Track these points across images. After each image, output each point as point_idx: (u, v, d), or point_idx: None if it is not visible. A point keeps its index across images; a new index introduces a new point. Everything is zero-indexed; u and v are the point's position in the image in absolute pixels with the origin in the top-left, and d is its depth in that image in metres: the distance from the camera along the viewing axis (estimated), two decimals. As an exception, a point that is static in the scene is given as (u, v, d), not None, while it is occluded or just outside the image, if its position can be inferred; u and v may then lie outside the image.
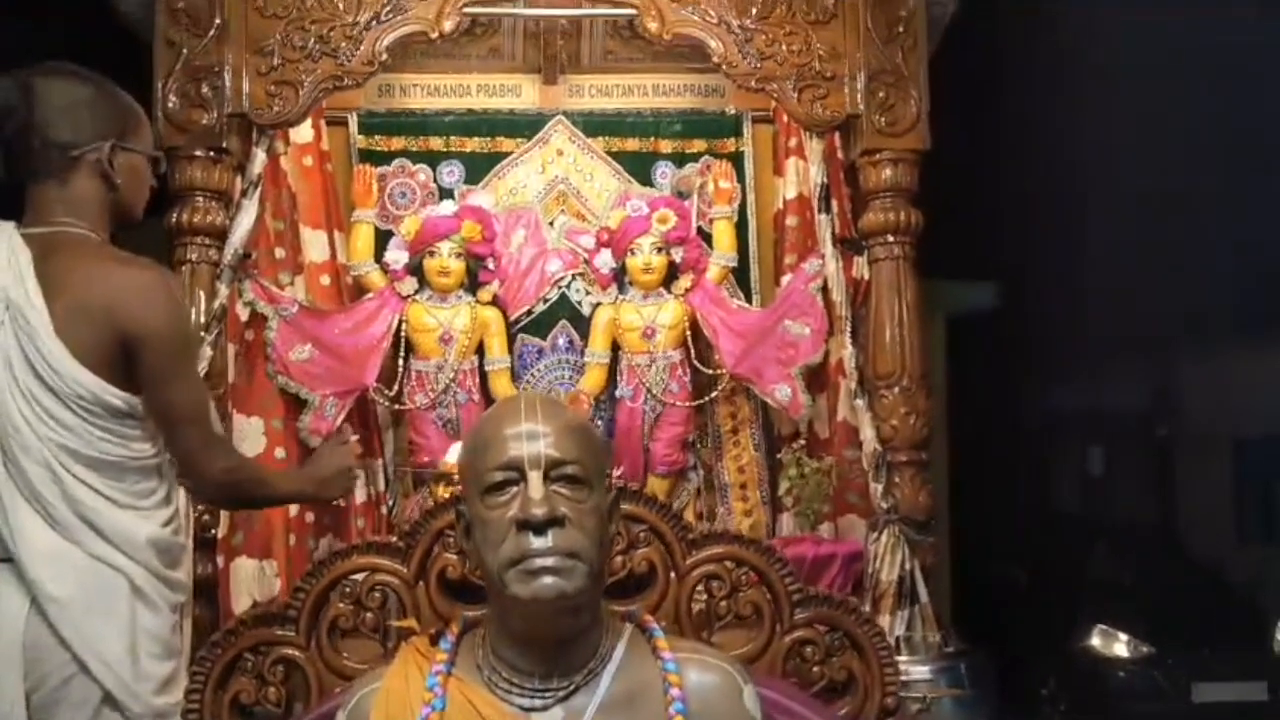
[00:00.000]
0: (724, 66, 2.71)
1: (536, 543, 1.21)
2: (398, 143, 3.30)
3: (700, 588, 1.68)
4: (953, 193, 3.47)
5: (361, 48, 2.64)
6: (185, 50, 2.59)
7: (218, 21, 2.60)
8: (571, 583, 1.21)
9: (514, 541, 1.21)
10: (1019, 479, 8.31)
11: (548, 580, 1.20)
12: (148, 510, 1.69)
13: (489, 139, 3.33)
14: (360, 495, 3.08)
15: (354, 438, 2.29)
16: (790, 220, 3.15)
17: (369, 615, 1.65)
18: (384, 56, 2.65)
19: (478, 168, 3.31)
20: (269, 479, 1.93)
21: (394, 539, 1.69)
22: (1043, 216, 6.61)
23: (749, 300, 3.25)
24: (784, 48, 2.70)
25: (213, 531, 2.60)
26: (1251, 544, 7.70)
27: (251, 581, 2.74)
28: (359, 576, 1.65)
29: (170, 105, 2.56)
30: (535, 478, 1.23)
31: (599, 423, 3.19)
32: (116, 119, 1.78)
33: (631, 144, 3.35)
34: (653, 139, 3.35)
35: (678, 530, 1.68)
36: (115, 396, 1.63)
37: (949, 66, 2.98)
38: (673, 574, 1.67)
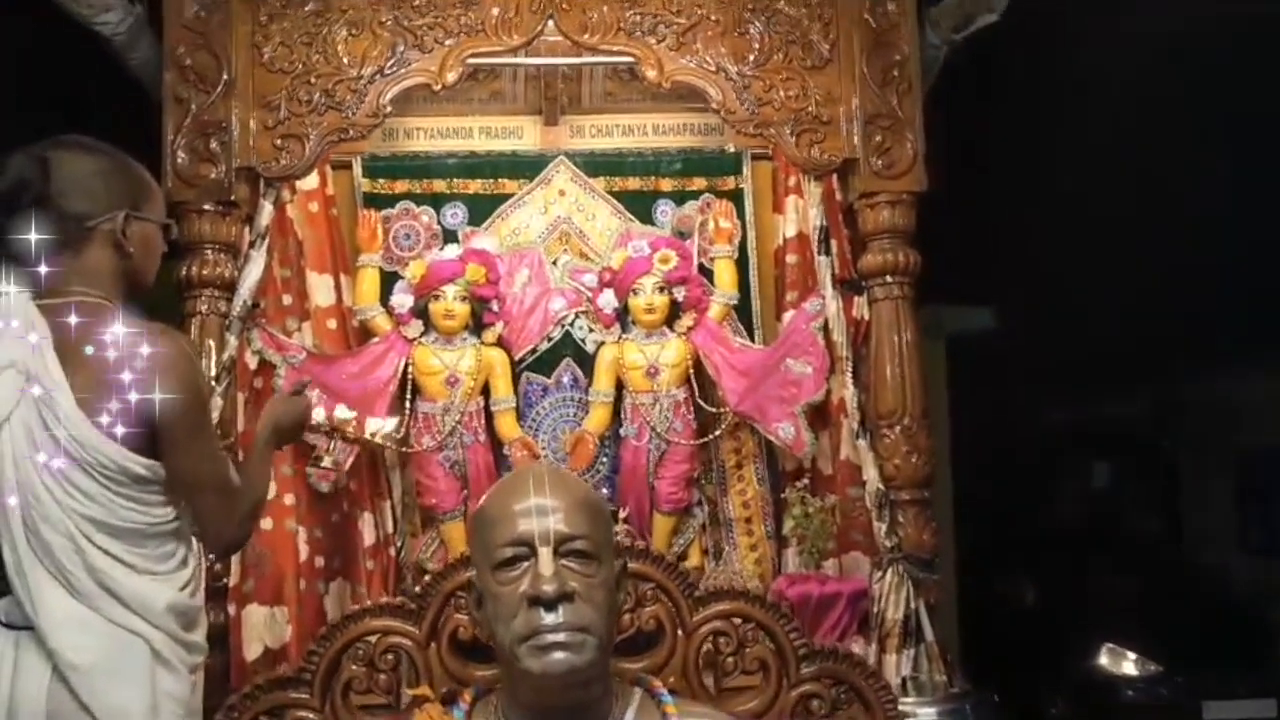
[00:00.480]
0: (722, 113, 2.76)
1: (548, 618, 1.24)
2: (401, 185, 3.33)
3: (707, 643, 1.72)
4: (953, 218, 3.51)
5: (366, 100, 2.70)
6: (193, 106, 2.64)
7: (225, 78, 2.65)
8: (582, 657, 1.24)
9: (525, 617, 1.25)
10: (1023, 496, 8.32)
11: (558, 655, 1.23)
12: (166, 574, 1.73)
13: (492, 180, 3.36)
14: (369, 537, 3.11)
15: (308, 384, 2.37)
16: (790, 258, 3.18)
17: (382, 677, 1.69)
18: (388, 109, 2.70)
19: (481, 209, 3.34)
20: (262, 495, 1.97)
21: (404, 599, 1.73)
22: (1042, 238, 6.65)
23: (751, 335, 3.28)
24: (781, 93, 2.75)
25: (224, 580, 2.64)
26: (1257, 558, 7.69)
27: (263, 628, 2.76)
28: (372, 638, 1.69)
29: (179, 161, 2.61)
30: (545, 554, 1.26)
31: (604, 460, 3.22)
32: (129, 190, 1.82)
33: (632, 183, 3.37)
34: (653, 178, 3.38)
35: (684, 587, 1.72)
36: (138, 464, 1.67)
37: (947, 99, 3.03)
38: (680, 631, 1.71)
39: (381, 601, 1.72)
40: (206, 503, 1.72)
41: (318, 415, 2.50)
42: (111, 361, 1.69)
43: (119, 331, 1.74)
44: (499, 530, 1.29)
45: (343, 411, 2.44)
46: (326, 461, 2.40)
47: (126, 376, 1.68)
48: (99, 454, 1.64)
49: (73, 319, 1.72)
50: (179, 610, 1.72)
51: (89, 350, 1.68)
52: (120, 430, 1.66)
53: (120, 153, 1.86)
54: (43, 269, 1.78)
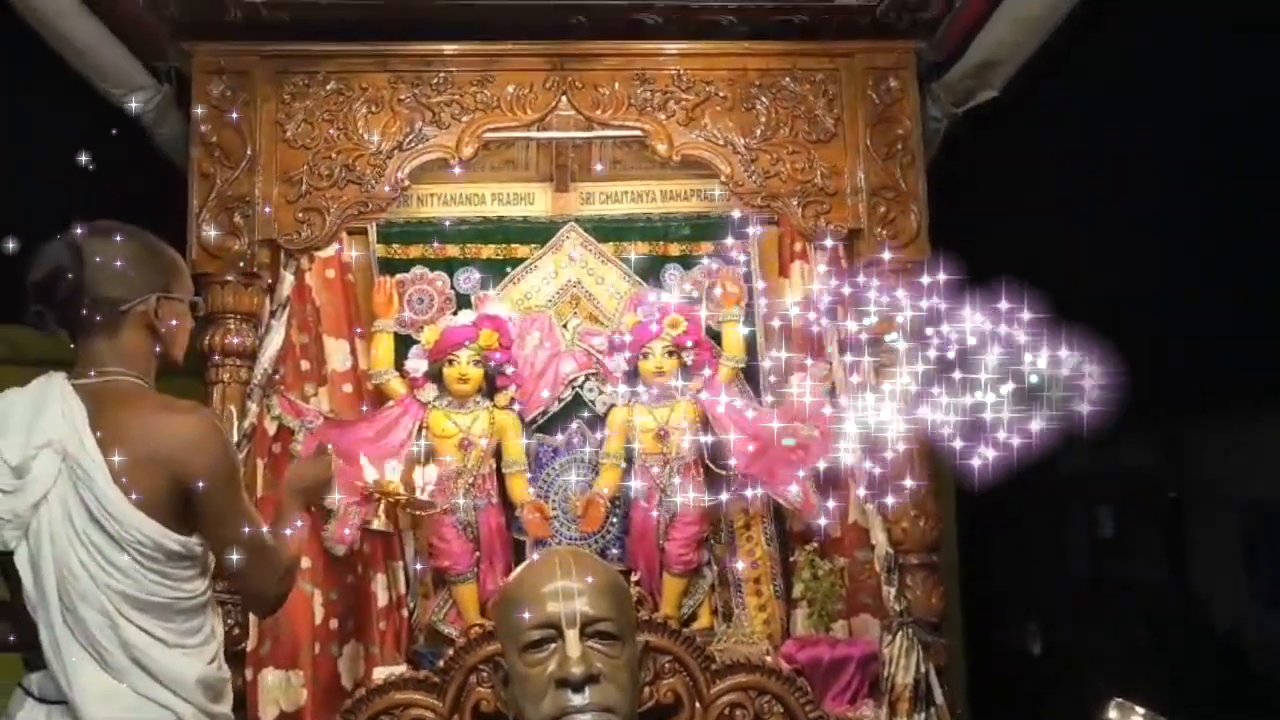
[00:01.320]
0: (731, 185, 2.84)
1: (575, 699, 1.29)
2: (416, 251, 3.41)
3: (724, 715, 1.75)
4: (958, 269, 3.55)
5: (385, 175, 2.78)
6: (218, 181, 2.72)
7: (249, 154, 2.74)
8: (607, 736, 1.28)
9: (553, 698, 1.29)
10: (1030, 547, 8.31)
11: (586, 735, 1.27)
12: (196, 648, 1.77)
13: (504, 246, 3.45)
14: (383, 598, 3.15)
15: (330, 448, 2.26)
16: (796, 322, 3.25)
17: (406, 750, 1.72)
18: (406, 183, 2.78)
19: (493, 274, 3.42)
20: (294, 556, 1.98)
21: (428, 674, 1.77)
22: (1046, 286, 6.74)
23: (759, 398, 3.33)
24: (788, 166, 2.84)
25: (242, 645, 2.67)
26: (1268, 610, 7.65)
27: (278, 691, 2.78)
28: (396, 712, 1.73)
29: (204, 235, 2.69)
30: (572, 636, 1.31)
31: (614, 521, 3.25)
32: (160, 272, 1.89)
33: (641, 248, 3.46)
34: (661, 243, 3.46)
35: (701, 661, 1.76)
36: (173, 541, 1.72)
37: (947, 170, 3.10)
38: (698, 703, 1.75)
39: (405, 675, 1.76)
40: (248, 566, 1.78)
41: (369, 476, 2.56)
42: (146, 440, 1.74)
43: (152, 411, 1.80)
44: (527, 613, 1.34)
45: (391, 473, 2.52)
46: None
47: (161, 453, 1.74)
48: (137, 531, 1.68)
49: (108, 398, 1.78)
50: (208, 683, 1.76)
51: (124, 429, 1.74)
52: (156, 507, 1.71)
53: (150, 235, 1.92)
54: (79, 350, 1.85)
